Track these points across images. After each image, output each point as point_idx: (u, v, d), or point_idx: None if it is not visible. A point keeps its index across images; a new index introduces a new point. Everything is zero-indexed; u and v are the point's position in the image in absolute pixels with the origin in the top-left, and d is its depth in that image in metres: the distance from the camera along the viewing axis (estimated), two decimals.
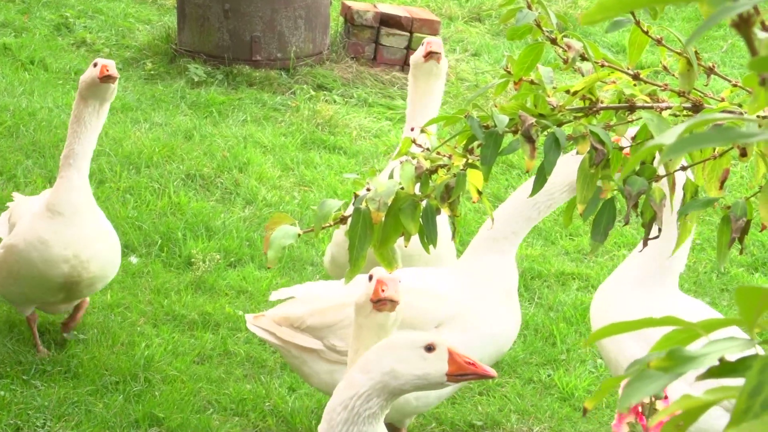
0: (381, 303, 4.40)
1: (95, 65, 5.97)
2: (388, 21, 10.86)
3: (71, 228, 6.01)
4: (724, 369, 1.45)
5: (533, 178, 5.64)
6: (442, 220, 3.30)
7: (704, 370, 1.47)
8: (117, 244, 6.32)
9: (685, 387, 4.33)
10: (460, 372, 3.56)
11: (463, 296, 5.52)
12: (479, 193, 2.78)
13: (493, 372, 3.63)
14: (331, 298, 5.62)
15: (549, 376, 6.67)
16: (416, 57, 6.36)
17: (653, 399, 3.55)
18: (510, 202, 5.59)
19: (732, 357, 1.48)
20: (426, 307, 5.46)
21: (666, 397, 3.61)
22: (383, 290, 4.39)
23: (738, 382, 1.41)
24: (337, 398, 3.50)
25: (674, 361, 1.45)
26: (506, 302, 5.57)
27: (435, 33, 10.83)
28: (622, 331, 1.58)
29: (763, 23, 1.42)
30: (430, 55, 6.27)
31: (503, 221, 5.50)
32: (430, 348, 3.54)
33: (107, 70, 5.90)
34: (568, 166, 5.24)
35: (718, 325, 1.47)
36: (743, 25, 1.35)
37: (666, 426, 1.53)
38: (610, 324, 1.60)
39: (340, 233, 6.28)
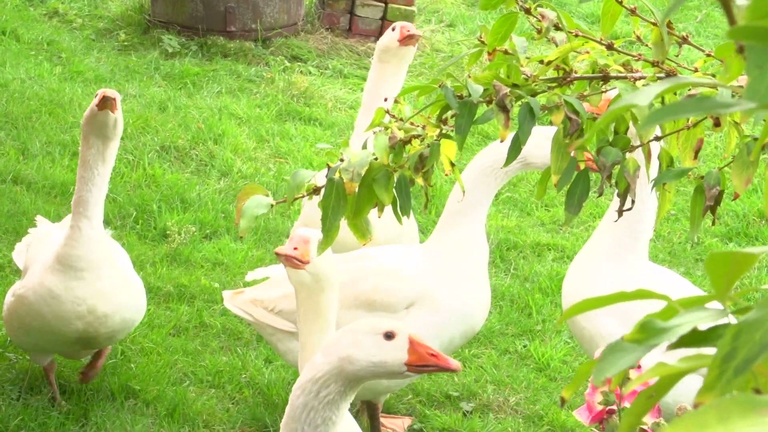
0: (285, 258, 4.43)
1: (96, 96, 5.35)
2: None
3: (85, 283, 5.47)
4: (695, 338, 1.45)
5: (487, 148, 5.67)
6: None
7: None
8: (140, 293, 5.75)
9: (661, 358, 4.34)
10: (421, 363, 3.44)
11: (432, 275, 5.49)
12: (452, 165, 2.77)
13: (456, 365, 3.49)
14: None
15: (525, 346, 6.69)
16: (388, 41, 6.14)
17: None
18: (469, 170, 5.55)
19: (705, 327, 1.48)
20: (395, 288, 5.44)
21: (639, 367, 3.63)
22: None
23: (710, 350, 1.43)
24: (298, 381, 3.44)
25: (647, 333, 1.46)
26: (476, 278, 5.55)
27: (410, 3, 10.80)
28: (595, 307, 1.58)
29: None
30: (407, 39, 6.13)
31: (467, 190, 5.46)
32: (389, 335, 3.43)
33: (105, 94, 5.27)
34: (534, 138, 5.25)
35: (696, 302, 1.48)
36: None
37: (638, 397, 1.53)
38: (583, 300, 1.59)
39: (308, 209, 6.21)
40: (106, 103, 5.25)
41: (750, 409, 1.19)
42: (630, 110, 2.78)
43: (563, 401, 1.99)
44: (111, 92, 5.29)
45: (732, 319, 1.43)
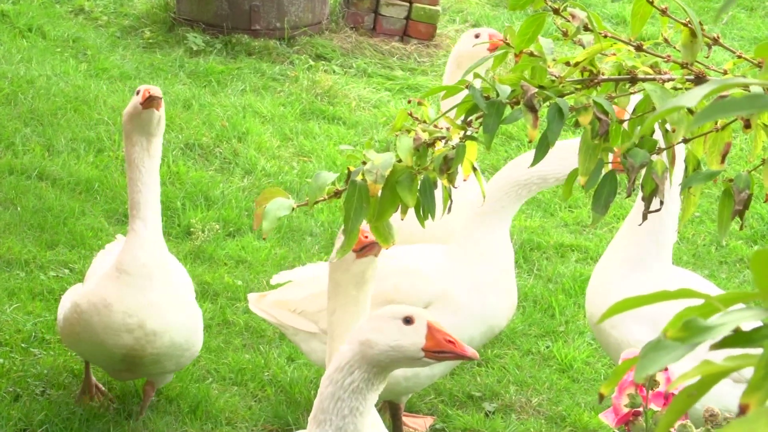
0: (367, 249, 4.38)
1: (137, 93, 5.20)
2: None
3: (138, 292, 5.28)
4: (739, 339, 1.42)
5: (526, 153, 5.64)
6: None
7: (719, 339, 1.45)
8: (196, 318, 5.52)
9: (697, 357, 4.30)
10: (438, 349, 3.45)
11: (452, 275, 5.47)
12: (474, 169, 2.74)
13: (473, 353, 3.50)
14: (324, 281, 5.60)
15: (548, 347, 6.65)
16: (468, 48, 6.17)
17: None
18: (501, 177, 5.52)
19: (747, 327, 1.45)
20: (413, 288, 5.43)
21: (666, 369, 3.59)
22: (366, 236, 4.34)
23: (755, 351, 1.40)
24: (326, 372, 3.46)
25: (690, 331, 1.43)
26: (499, 280, 5.52)
27: (434, 3, 10.77)
28: (635, 306, 1.55)
29: None
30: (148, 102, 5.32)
31: (493, 196, 5.44)
32: (408, 320, 3.45)
33: (150, 93, 5.11)
34: (566, 159, 5.22)
35: (735, 299, 1.45)
36: None
37: (678, 396, 1.50)
38: (624, 299, 1.56)
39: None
40: (152, 103, 5.12)
41: None
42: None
43: (602, 397, 1.96)
44: (155, 90, 5.16)
45: None
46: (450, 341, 3.46)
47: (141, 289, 5.28)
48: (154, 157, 5.25)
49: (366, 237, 4.28)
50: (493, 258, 5.50)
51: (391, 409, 5.73)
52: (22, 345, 6.05)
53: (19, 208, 7.39)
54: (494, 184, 5.48)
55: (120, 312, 5.28)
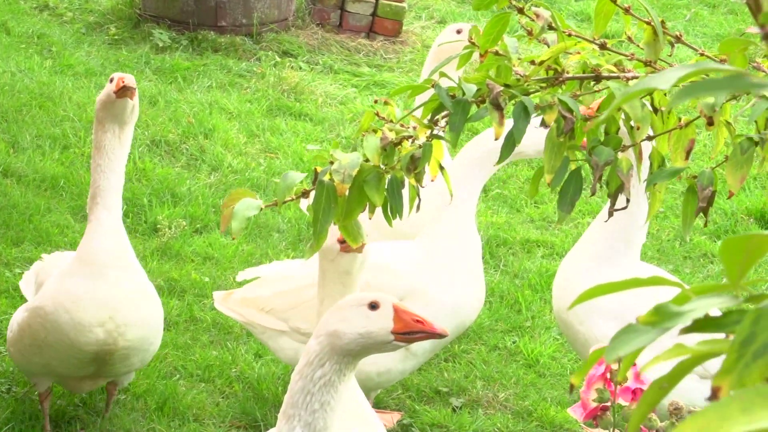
0: (347, 245, 4.40)
1: (111, 81, 5.09)
2: None
3: (106, 283, 5.10)
4: (708, 323, 1.44)
5: (471, 142, 5.65)
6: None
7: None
8: (160, 310, 5.37)
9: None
10: (407, 330, 3.43)
11: (423, 269, 5.50)
12: (441, 168, 2.75)
13: (443, 329, 3.47)
14: (294, 279, 5.60)
15: (514, 342, 6.67)
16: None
17: (619, 365, 3.55)
18: (453, 170, 5.51)
19: (716, 314, 1.47)
20: (385, 283, 5.44)
21: (635, 364, 3.61)
22: (417, 320, 4.35)
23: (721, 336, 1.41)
24: (297, 367, 3.44)
25: (661, 316, 1.45)
26: (468, 272, 5.55)
27: (400, 0, 10.77)
28: (606, 293, 1.57)
29: None
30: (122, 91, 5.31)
31: (456, 177, 5.43)
32: (374, 306, 3.42)
33: (123, 82, 5.00)
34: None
35: (707, 290, 1.47)
36: None
37: (650, 388, 1.51)
38: (595, 286, 1.58)
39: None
40: (125, 92, 5.03)
41: None
42: (623, 110, 2.76)
43: (572, 388, 1.98)
44: (129, 80, 5.04)
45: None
46: (418, 321, 3.44)
47: (109, 279, 5.11)
48: (124, 146, 5.16)
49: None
50: (460, 248, 5.53)
51: None
52: None
53: None
54: (452, 172, 5.46)
55: (91, 305, 5.09)
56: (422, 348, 5.54)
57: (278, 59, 10.11)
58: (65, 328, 5.11)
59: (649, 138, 3.04)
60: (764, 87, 1.28)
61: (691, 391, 5.00)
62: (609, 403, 3.70)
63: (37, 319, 5.17)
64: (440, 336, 3.48)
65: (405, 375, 5.68)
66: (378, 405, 6.02)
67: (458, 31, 6.33)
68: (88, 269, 5.11)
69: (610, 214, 3.01)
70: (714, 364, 1.39)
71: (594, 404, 3.71)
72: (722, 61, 2.81)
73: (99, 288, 5.10)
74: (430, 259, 5.52)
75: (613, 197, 2.89)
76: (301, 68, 10.07)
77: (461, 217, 5.52)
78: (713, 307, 1.46)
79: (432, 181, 3.03)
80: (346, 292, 4.46)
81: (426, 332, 3.45)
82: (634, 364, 3.43)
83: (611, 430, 3.73)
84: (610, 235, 5.46)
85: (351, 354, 3.39)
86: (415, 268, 5.51)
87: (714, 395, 1.29)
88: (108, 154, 5.12)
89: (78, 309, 5.09)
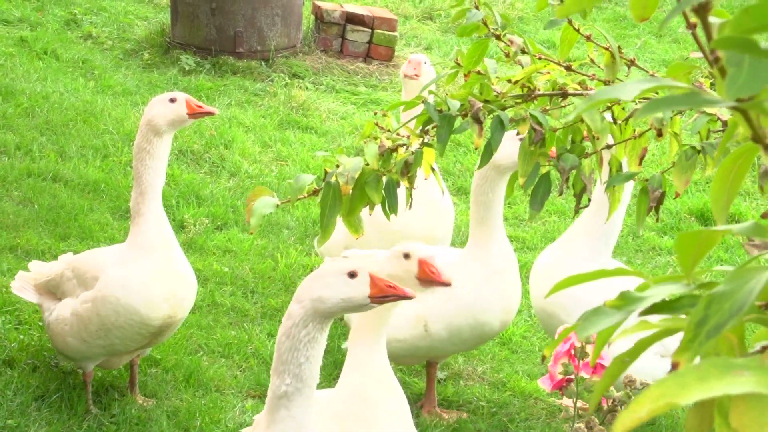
0: (427, 282, 4.39)
1: (173, 101, 5.12)
2: (352, 19, 10.79)
3: (164, 263, 5.10)
4: (665, 306, 1.44)
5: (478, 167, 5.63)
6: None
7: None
8: (196, 285, 5.36)
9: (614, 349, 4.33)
10: (381, 294, 3.43)
11: (453, 269, 5.42)
12: (433, 169, 2.75)
13: (412, 293, 3.47)
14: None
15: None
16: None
17: (584, 343, 3.55)
18: (473, 195, 5.44)
19: (672, 298, 1.48)
20: None
21: (593, 343, 3.60)
22: (432, 271, 4.36)
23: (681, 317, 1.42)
24: (280, 330, 3.43)
25: (626, 300, 1.45)
26: (493, 280, 5.41)
27: (393, 30, 10.76)
28: (577, 283, 1.57)
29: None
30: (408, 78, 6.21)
31: (477, 210, 5.40)
32: (353, 274, 3.40)
33: (201, 108, 5.15)
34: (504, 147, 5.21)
35: (665, 279, 1.47)
36: (702, 10, 1.33)
37: (613, 362, 1.51)
38: (568, 277, 1.58)
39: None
40: (199, 116, 5.16)
41: (726, 371, 1.17)
42: (586, 122, 2.75)
43: (544, 358, 1.97)
44: (208, 108, 5.17)
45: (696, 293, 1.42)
46: (390, 286, 3.44)
47: (165, 260, 5.11)
48: (168, 151, 5.17)
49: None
50: (490, 260, 5.40)
51: (428, 367, 5.72)
52: (39, 324, 5.99)
53: (36, 206, 7.33)
54: (472, 192, 5.43)
55: (156, 284, 5.07)
56: (439, 336, 5.44)
57: (288, 80, 10.09)
58: (137, 307, 5.08)
59: (609, 146, 3.04)
60: (716, 103, 1.28)
61: (654, 369, 5.01)
62: (573, 376, 3.69)
63: (107, 305, 5.11)
64: (410, 297, 3.47)
65: (419, 353, 5.55)
66: None
67: (409, 62, 6.34)
68: (146, 253, 5.09)
69: (576, 212, 3.00)
70: (673, 344, 1.39)
71: (560, 377, 3.70)
72: None
73: (161, 267, 5.10)
74: (463, 262, 5.41)
75: (578, 197, 2.89)
76: (307, 88, 10.06)
77: (491, 231, 5.38)
78: (669, 293, 1.46)
79: (425, 179, 3.01)
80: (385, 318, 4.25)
81: (397, 295, 3.46)
82: (594, 343, 3.42)
83: (575, 398, 3.73)
84: (593, 238, 5.50)
85: (331, 315, 3.39)
86: (449, 267, 5.43)
87: (674, 369, 1.28)
88: (160, 157, 5.10)
89: (147, 289, 5.07)
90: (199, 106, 5.15)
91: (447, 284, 3.58)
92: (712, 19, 1.34)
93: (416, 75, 6.20)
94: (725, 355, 1.39)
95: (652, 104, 1.32)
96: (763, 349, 1.43)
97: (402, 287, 3.47)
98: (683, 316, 1.35)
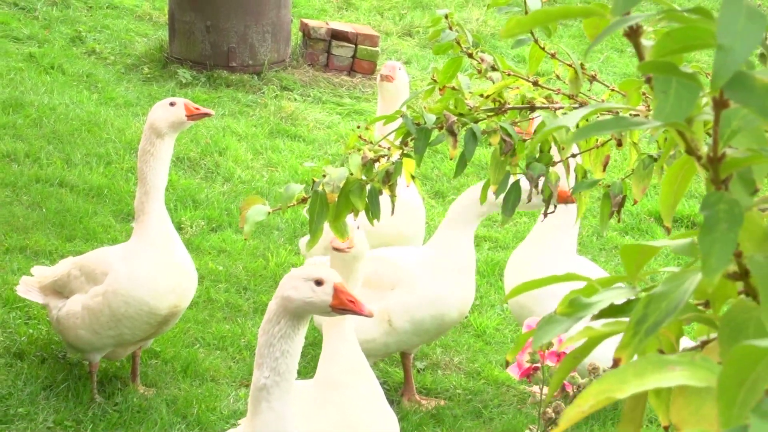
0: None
1: (173, 105, 5.08)
2: (337, 35, 10.79)
3: (170, 257, 5.10)
4: (613, 311, 1.46)
5: (480, 184, 5.66)
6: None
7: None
8: (197, 275, 5.35)
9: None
10: (341, 306, 3.45)
11: (415, 266, 5.46)
12: (413, 177, 2.76)
13: (369, 312, 3.48)
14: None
15: (466, 317, 6.68)
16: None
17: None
18: (463, 199, 5.45)
19: (619, 302, 1.49)
20: (384, 272, 5.44)
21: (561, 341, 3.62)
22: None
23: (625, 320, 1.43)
24: (261, 325, 3.44)
25: (575, 307, 1.46)
26: (455, 275, 5.43)
27: (375, 45, 10.77)
28: (534, 288, 1.58)
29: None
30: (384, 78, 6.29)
31: (456, 210, 5.43)
32: (319, 282, 3.42)
33: (201, 111, 5.12)
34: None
35: (612, 281, 1.49)
36: (633, 34, 1.35)
37: (566, 358, 1.53)
38: (523, 282, 1.60)
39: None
40: (197, 117, 5.11)
41: (661, 366, 1.19)
42: (553, 134, 2.77)
43: (507, 363, 1.98)
44: (192, 105, 5.11)
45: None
46: (351, 301, 3.45)
47: (170, 252, 5.10)
48: (170, 154, 5.14)
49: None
50: (453, 257, 5.42)
51: (403, 359, 5.74)
52: (47, 318, 5.98)
53: (44, 210, 7.31)
54: (460, 203, 5.45)
55: (164, 278, 5.07)
56: (403, 329, 5.46)
57: (278, 92, 10.09)
58: (146, 298, 5.07)
59: (574, 155, 3.06)
60: (641, 125, 1.30)
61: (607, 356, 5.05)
62: (539, 365, 3.71)
63: (117, 297, 5.09)
64: (366, 316, 3.48)
65: (389, 349, 5.57)
66: None
67: (384, 66, 6.44)
68: (151, 248, 5.07)
69: (545, 215, 3.02)
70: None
71: (527, 365, 3.72)
72: (624, 96, 2.82)
73: (166, 261, 5.09)
74: (425, 259, 5.45)
75: (547, 202, 2.90)
76: (296, 99, 10.06)
77: (460, 235, 5.39)
78: (615, 298, 1.48)
79: (407, 186, 3.02)
80: (350, 276, 4.52)
81: (355, 311, 3.47)
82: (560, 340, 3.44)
83: (541, 385, 3.75)
84: (565, 239, 5.63)
85: (298, 314, 3.38)
86: (411, 264, 5.46)
87: (615, 365, 1.30)
88: (163, 159, 5.07)
89: (154, 280, 5.06)
90: (197, 108, 5.14)
91: (369, 316, 3.50)
92: (645, 42, 1.36)
93: (391, 77, 6.26)
94: (665, 351, 1.41)
95: (584, 130, 1.34)
96: (703, 344, 1.44)
97: (361, 305, 3.47)
98: (627, 319, 1.37)
